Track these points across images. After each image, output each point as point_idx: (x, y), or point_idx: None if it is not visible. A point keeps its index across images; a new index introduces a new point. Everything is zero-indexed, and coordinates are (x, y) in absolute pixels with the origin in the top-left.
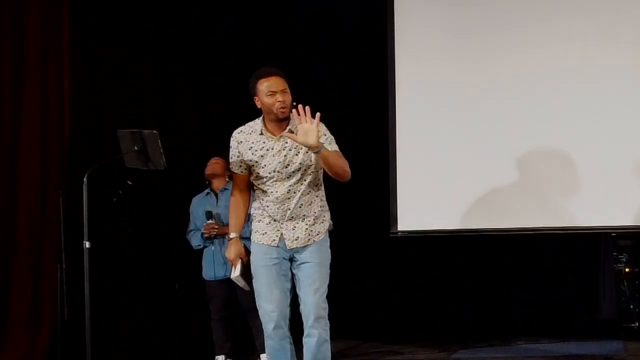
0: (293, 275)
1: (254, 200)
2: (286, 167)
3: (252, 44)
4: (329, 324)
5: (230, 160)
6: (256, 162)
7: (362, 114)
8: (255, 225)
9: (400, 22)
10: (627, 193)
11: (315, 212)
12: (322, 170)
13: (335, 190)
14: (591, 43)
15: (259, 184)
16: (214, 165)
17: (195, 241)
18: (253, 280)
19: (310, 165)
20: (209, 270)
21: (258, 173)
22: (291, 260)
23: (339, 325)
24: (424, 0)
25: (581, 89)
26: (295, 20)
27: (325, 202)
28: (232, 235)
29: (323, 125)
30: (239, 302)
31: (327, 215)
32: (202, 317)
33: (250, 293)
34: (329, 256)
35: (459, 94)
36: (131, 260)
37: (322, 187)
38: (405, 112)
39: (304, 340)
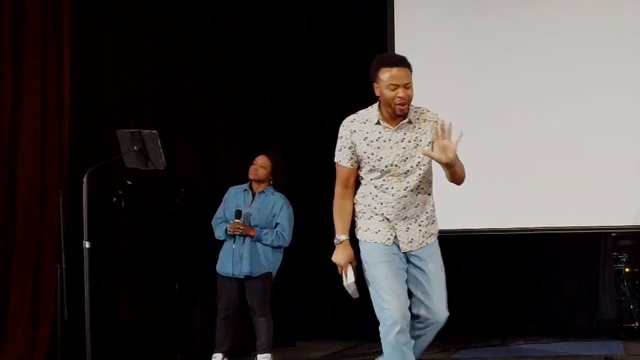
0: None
1: (358, 196)
2: (404, 161)
3: (252, 44)
4: None
5: (338, 152)
6: (372, 153)
7: None
8: (364, 223)
9: (401, 21)
10: (626, 193)
11: (428, 213)
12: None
13: None
14: (595, 40)
15: (372, 179)
16: (259, 170)
17: (218, 232)
18: (370, 280)
19: (429, 161)
20: (223, 265)
21: (373, 166)
22: (407, 260)
23: (339, 325)
24: (424, 0)
25: (582, 88)
26: (295, 20)
27: (434, 202)
28: (342, 237)
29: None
30: (247, 301)
31: (436, 215)
32: (202, 316)
33: (261, 294)
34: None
35: (459, 94)
36: (131, 260)
37: (432, 185)
38: None
39: (418, 338)
